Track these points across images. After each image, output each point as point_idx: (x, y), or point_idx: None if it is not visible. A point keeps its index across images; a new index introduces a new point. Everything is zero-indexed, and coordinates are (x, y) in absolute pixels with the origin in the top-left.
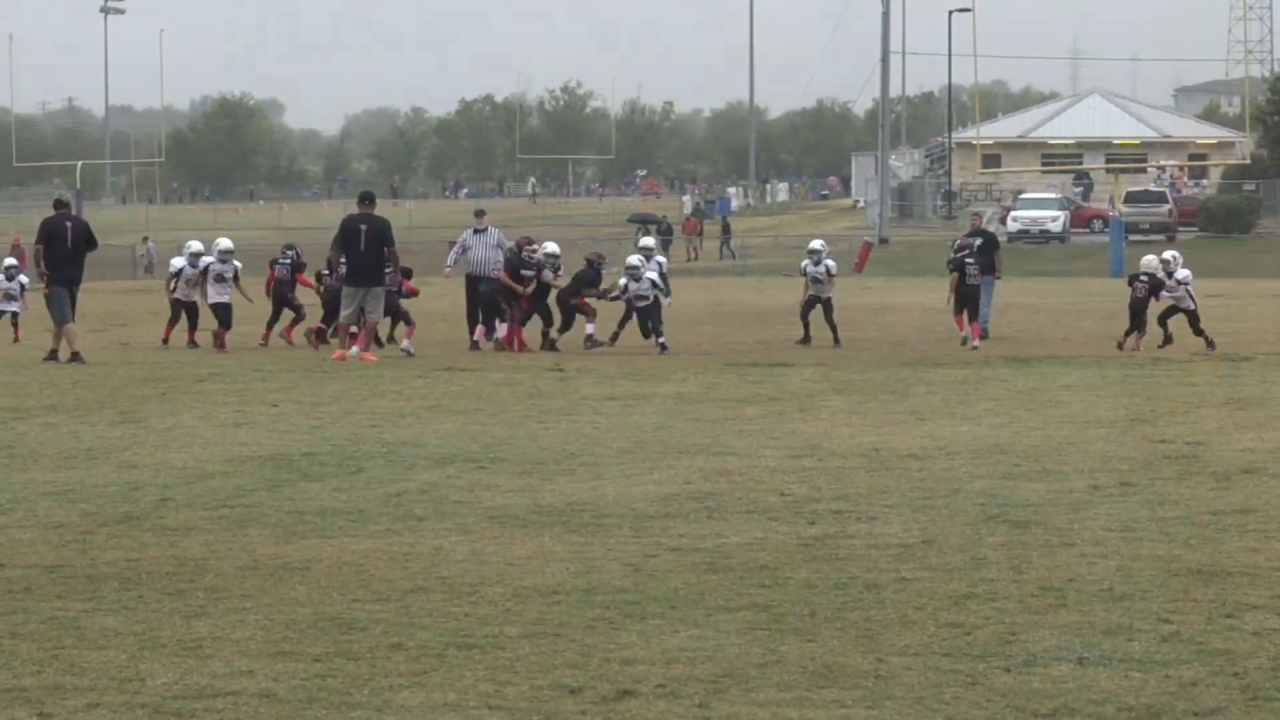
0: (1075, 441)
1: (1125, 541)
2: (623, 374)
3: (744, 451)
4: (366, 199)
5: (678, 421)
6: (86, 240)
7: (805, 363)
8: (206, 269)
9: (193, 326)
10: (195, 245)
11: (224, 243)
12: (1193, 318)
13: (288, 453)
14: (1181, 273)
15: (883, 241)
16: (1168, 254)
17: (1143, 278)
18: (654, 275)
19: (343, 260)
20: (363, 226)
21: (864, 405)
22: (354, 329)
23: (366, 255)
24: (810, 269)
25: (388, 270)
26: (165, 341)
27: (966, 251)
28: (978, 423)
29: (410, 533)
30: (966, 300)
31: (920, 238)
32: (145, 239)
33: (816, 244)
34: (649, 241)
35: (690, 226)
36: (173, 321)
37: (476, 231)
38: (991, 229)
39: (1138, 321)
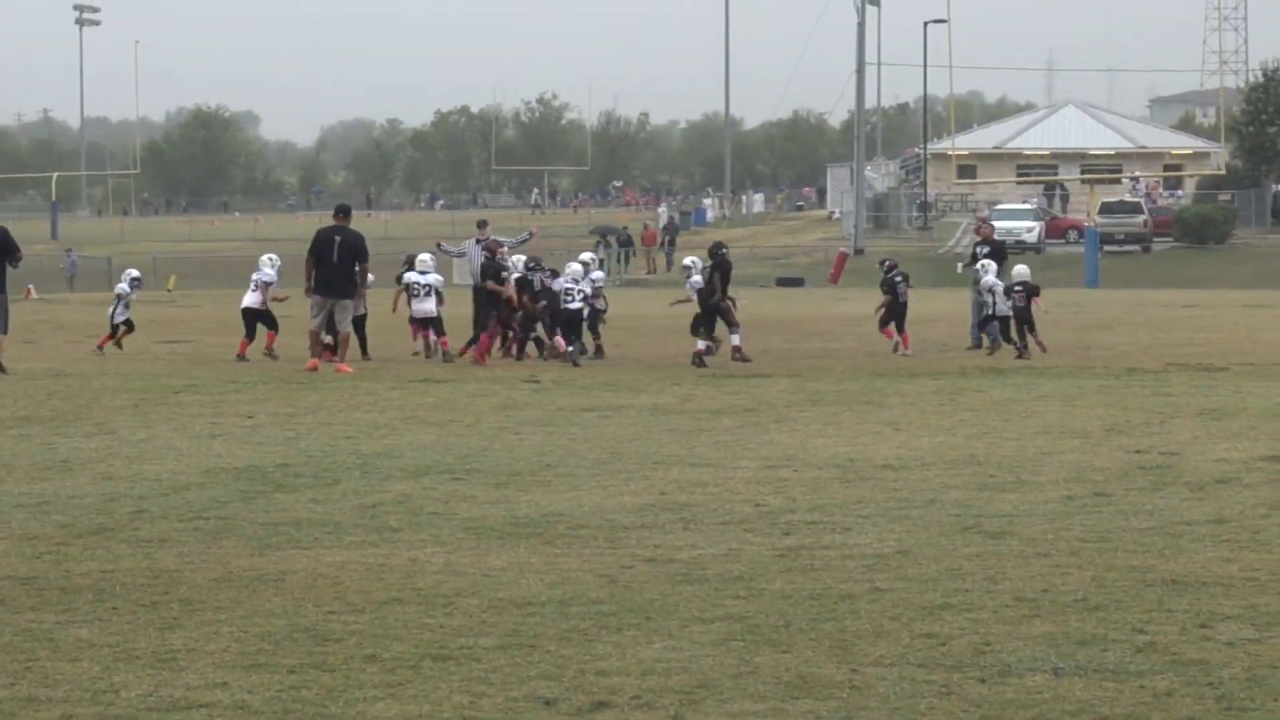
0: (1050, 452)
1: (1100, 552)
2: (598, 385)
3: (719, 463)
4: (342, 211)
5: (653, 433)
6: (4, 251)
7: (780, 374)
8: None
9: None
10: (135, 272)
11: (134, 272)
12: (1006, 322)
13: (263, 464)
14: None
15: (858, 252)
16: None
17: (1018, 287)
18: (586, 288)
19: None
20: (336, 238)
21: (839, 416)
22: (328, 339)
23: (338, 267)
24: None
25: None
26: (102, 349)
27: (895, 271)
28: (953, 433)
29: (385, 544)
30: (894, 315)
31: (896, 248)
32: (68, 251)
33: (687, 261)
34: (587, 256)
35: (649, 238)
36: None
37: (478, 241)
38: (966, 240)
39: (1028, 327)
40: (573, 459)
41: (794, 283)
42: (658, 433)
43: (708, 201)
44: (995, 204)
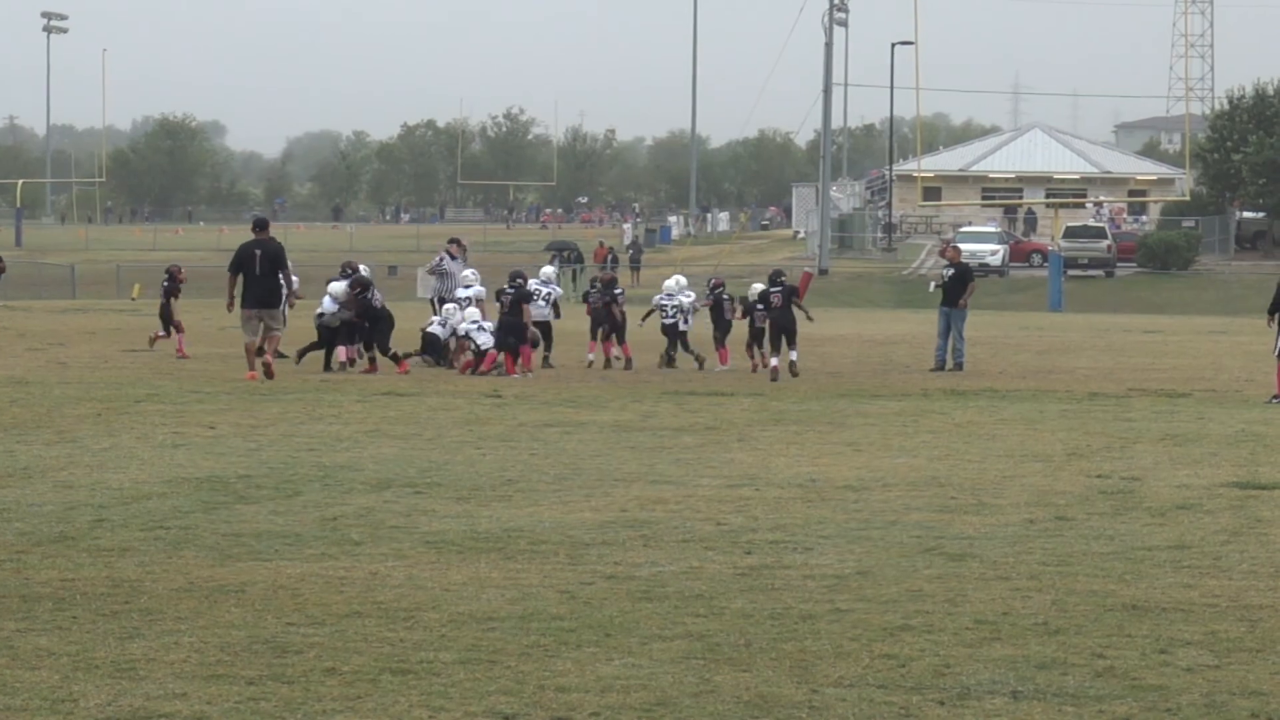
0: (1012, 475)
1: (1061, 576)
2: (560, 401)
3: (681, 480)
4: (260, 225)
5: (615, 449)
6: None
7: (743, 392)
8: None
9: None
10: None
11: None
12: (684, 338)
13: (224, 475)
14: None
15: (823, 272)
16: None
17: (759, 306)
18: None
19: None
20: (257, 251)
21: (801, 436)
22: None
23: (262, 279)
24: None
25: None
26: None
27: (722, 290)
28: (915, 455)
29: (346, 557)
30: (758, 336)
31: (860, 269)
32: None
33: (670, 282)
34: (550, 270)
35: (600, 255)
36: None
37: (454, 258)
38: (931, 263)
39: (763, 340)
40: (534, 474)
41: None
42: (619, 449)
43: (673, 219)
44: (960, 226)
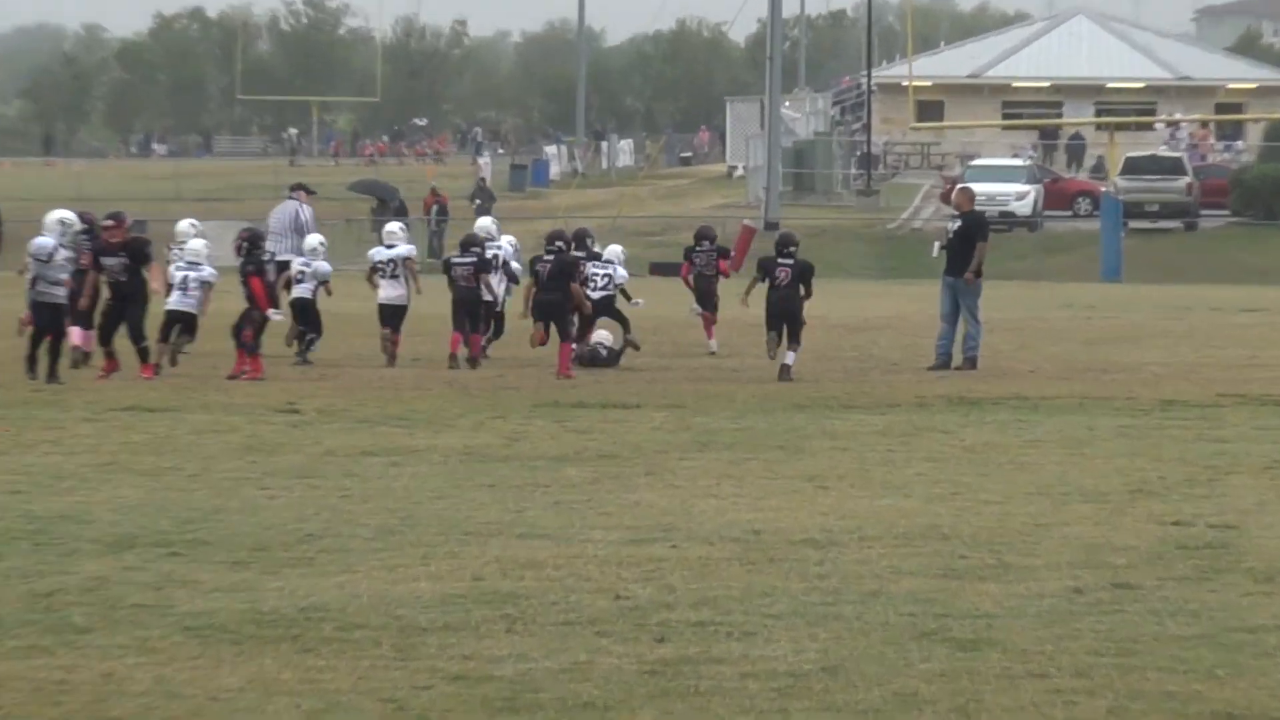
0: (1048, 522)
1: (1121, 671)
2: (384, 418)
3: (561, 533)
4: None
5: (465, 488)
6: None
7: (654, 403)
8: None
9: None
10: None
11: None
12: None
13: None
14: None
15: (770, 226)
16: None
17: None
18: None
19: None
20: None
21: (739, 467)
22: None
23: None
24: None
25: None
26: None
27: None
28: (906, 493)
29: (68, 650)
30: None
31: (826, 221)
32: None
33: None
34: (395, 226)
35: (427, 205)
36: None
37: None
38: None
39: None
40: (346, 526)
41: (671, 270)
42: (471, 488)
43: (551, 151)
44: (971, 158)
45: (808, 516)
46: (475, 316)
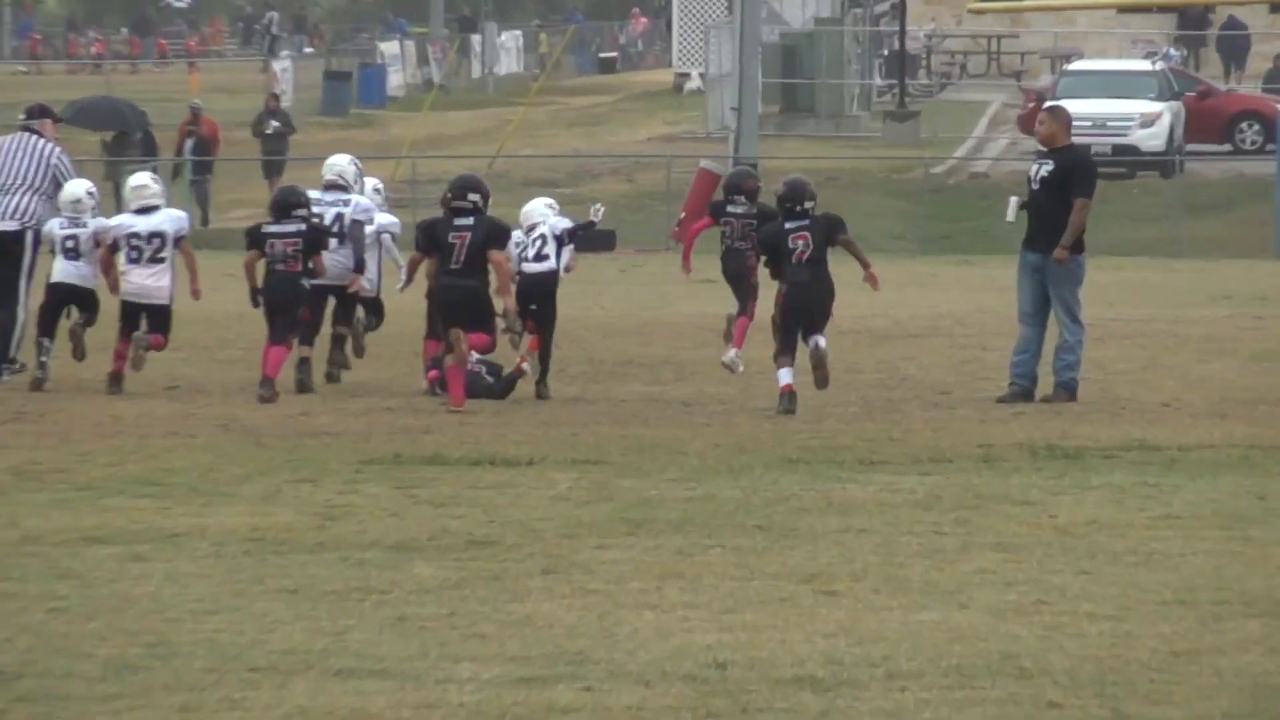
0: (1193, 649)
1: None
2: (124, 482)
3: (407, 669)
4: None
5: (251, 596)
6: None
7: (558, 456)
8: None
9: None
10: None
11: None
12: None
13: None
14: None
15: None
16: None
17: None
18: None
19: None
20: None
21: (692, 561)
22: None
23: None
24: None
25: None
26: None
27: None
28: (963, 603)
29: None
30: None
31: (833, 161)
32: None
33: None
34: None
35: (181, 134)
36: None
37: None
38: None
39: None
40: (59, 660)
41: (596, 241)
42: (261, 596)
43: (391, 50)
44: (1070, 57)
45: (803, 640)
46: (295, 317)
